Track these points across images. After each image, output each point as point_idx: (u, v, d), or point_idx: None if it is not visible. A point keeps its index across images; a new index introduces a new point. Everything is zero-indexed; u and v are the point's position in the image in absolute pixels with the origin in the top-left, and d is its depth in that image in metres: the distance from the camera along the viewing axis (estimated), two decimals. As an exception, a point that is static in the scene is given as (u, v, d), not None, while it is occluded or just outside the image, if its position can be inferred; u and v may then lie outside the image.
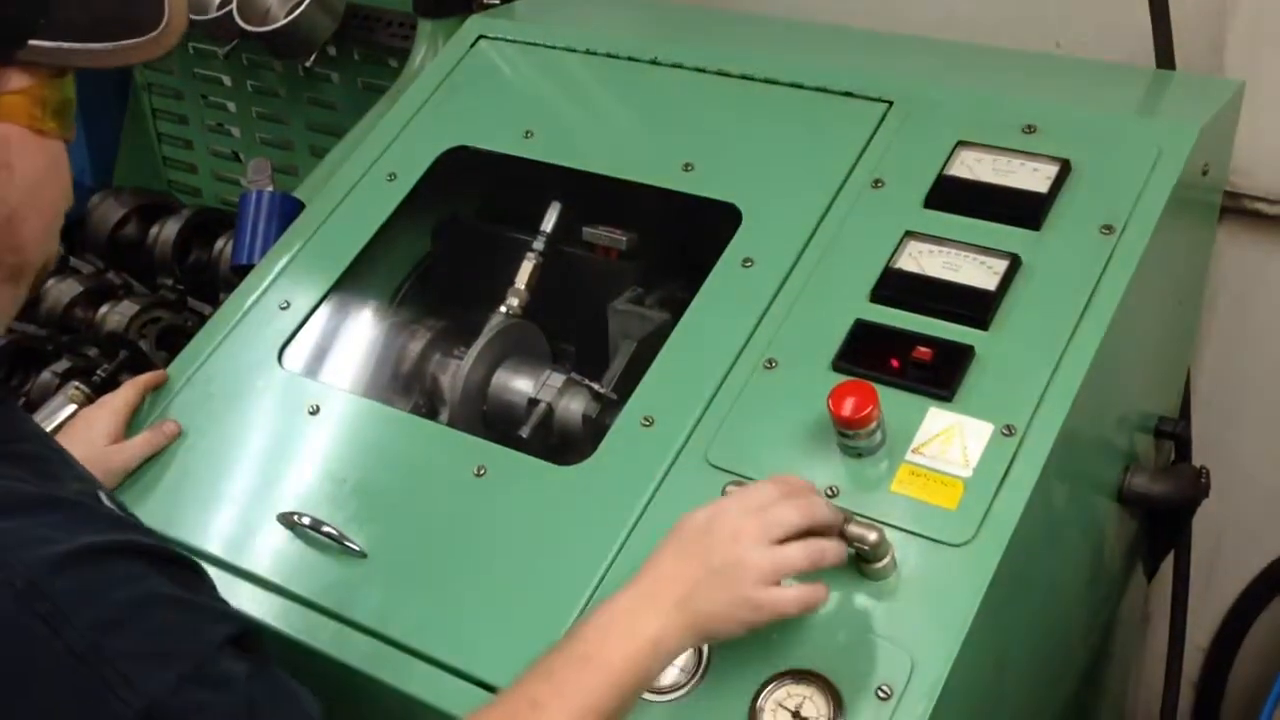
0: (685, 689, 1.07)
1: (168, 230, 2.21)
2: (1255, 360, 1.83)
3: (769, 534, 1.01)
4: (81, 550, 0.80)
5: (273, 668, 0.89)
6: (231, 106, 2.52)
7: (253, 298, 1.52)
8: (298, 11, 2.08)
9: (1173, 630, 1.88)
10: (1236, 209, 1.71)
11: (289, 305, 1.50)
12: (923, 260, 1.30)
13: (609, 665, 0.96)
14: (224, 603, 0.92)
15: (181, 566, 0.89)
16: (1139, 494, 1.42)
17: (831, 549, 1.04)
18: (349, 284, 1.55)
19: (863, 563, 1.09)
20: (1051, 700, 1.49)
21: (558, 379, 1.46)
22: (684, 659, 1.07)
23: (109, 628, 0.79)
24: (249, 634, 0.89)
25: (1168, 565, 1.84)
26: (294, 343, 1.48)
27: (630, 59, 1.62)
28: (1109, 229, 1.26)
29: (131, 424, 1.43)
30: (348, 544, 1.25)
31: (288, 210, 1.77)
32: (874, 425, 1.15)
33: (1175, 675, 1.88)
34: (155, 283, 2.21)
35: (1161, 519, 1.61)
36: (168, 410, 1.44)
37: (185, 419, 1.42)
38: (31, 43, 0.84)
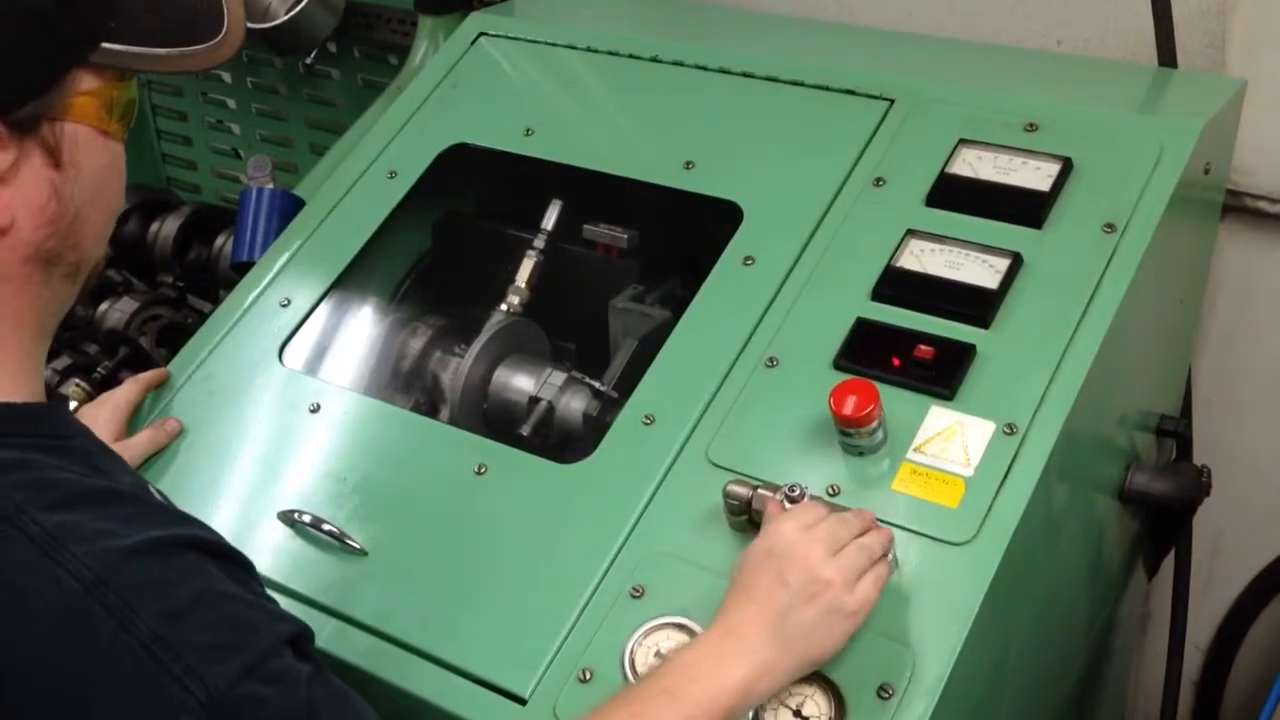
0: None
1: (168, 227, 2.21)
2: (1256, 359, 1.83)
3: (831, 547, 1.02)
4: (146, 544, 0.82)
5: (328, 673, 0.90)
6: (231, 103, 2.52)
7: (253, 295, 1.52)
8: (298, 8, 2.08)
9: (1173, 629, 1.88)
10: (1238, 207, 1.71)
11: (289, 303, 1.50)
12: (924, 259, 1.29)
13: (692, 702, 0.96)
14: (276, 603, 0.92)
15: (237, 563, 0.90)
16: (1140, 493, 1.42)
17: (876, 541, 1.05)
18: (349, 281, 1.55)
19: (864, 561, 1.08)
20: (1051, 698, 1.49)
21: (559, 377, 1.46)
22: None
23: (173, 619, 0.80)
24: (303, 637, 0.89)
25: (1169, 564, 1.84)
26: (294, 340, 1.47)
27: (631, 56, 1.62)
28: (1111, 227, 1.26)
29: (133, 421, 1.43)
30: (348, 542, 1.25)
31: (288, 207, 1.77)
32: (875, 424, 1.14)
33: (1175, 674, 1.88)
34: (155, 280, 2.21)
35: (1162, 518, 1.61)
36: (169, 408, 1.44)
37: (186, 416, 1.42)
38: (104, 45, 0.86)
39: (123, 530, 0.82)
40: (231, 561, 0.89)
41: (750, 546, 1.05)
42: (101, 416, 1.40)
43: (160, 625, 0.79)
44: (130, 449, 1.36)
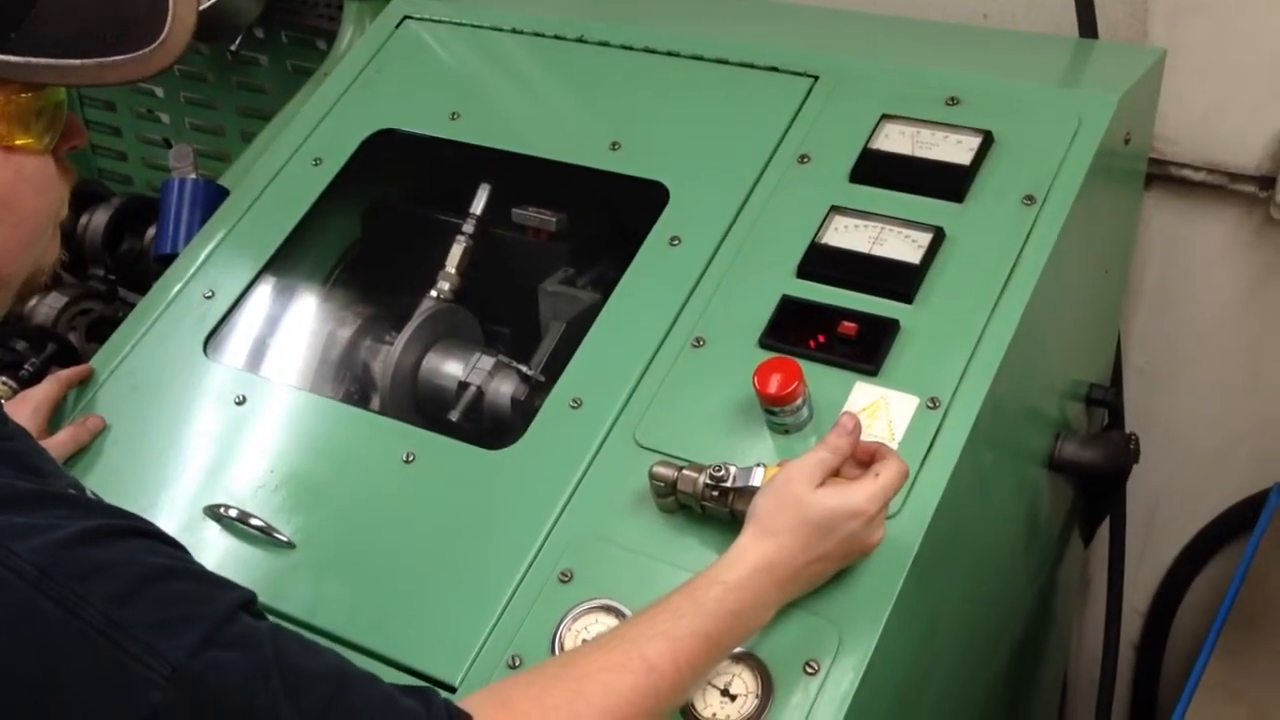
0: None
1: (97, 219, 2.16)
2: (1186, 326, 1.85)
3: (851, 491, 1.04)
4: (85, 532, 0.81)
5: (285, 627, 0.88)
6: (159, 92, 2.48)
7: (177, 288, 1.50)
8: (218, -8, 2.04)
9: (1110, 594, 1.91)
10: (1163, 176, 1.72)
11: (213, 294, 1.47)
12: (848, 235, 1.30)
13: (725, 649, 1.01)
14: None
15: (179, 549, 0.88)
16: (1069, 462, 1.43)
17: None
18: (276, 271, 1.53)
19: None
20: (987, 667, 1.51)
21: (488, 362, 1.45)
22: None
23: (123, 600, 0.79)
24: (254, 601, 0.88)
25: (1106, 530, 1.86)
26: (219, 332, 1.45)
27: (557, 37, 1.60)
28: (1031, 199, 1.27)
29: (55, 419, 1.40)
30: (275, 535, 1.24)
31: (211, 197, 1.74)
32: (799, 401, 1.15)
33: (1113, 638, 1.91)
34: (86, 273, 2.17)
35: (1095, 485, 1.63)
36: (91, 404, 1.42)
37: (109, 413, 1.40)
38: None
39: (59, 524, 0.81)
40: (172, 546, 0.88)
41: (769, 493, 1.05)
42: (22, 415, 1.37)
43: (111, 608, 0.78)
44: (52, 448, 1.34)
